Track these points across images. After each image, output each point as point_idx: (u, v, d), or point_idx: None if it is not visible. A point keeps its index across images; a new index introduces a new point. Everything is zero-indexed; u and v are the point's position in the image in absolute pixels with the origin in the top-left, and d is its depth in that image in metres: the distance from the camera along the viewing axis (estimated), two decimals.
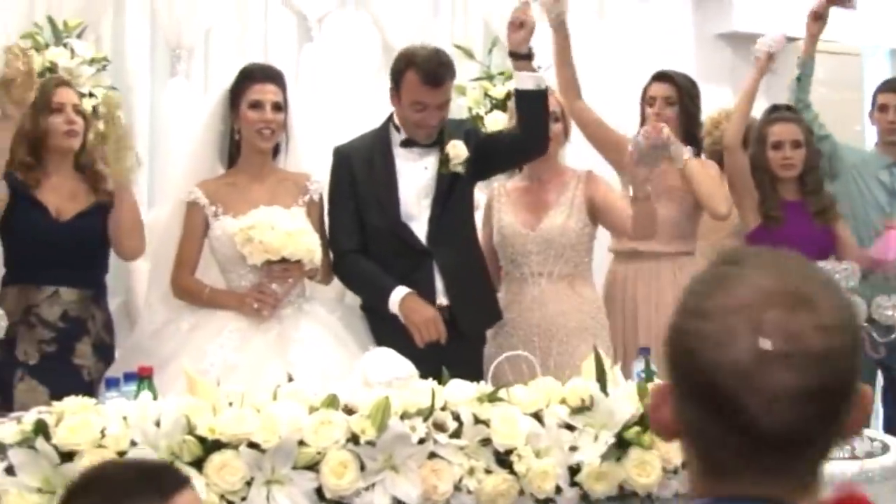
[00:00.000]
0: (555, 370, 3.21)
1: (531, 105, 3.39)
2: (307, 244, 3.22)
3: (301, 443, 2.28)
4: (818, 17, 4.22)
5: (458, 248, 3.42)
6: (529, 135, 3.43)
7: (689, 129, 3.97)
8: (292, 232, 3.20)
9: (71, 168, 3.45)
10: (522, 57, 3.36)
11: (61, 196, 3.39)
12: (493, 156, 3.52)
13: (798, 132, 3.99)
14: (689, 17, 6.00)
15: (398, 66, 3.37)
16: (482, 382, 2.58)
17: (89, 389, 2.97)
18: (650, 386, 2.51)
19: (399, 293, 3.30)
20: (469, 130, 3.58)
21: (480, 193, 3.89)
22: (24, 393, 3.15)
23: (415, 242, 3.40)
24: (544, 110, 3.41)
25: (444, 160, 3.41)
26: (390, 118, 3.49)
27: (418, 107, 3.32)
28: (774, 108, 4.16)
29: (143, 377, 2.48)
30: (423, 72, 3.29)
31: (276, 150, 3.48)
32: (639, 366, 2.80)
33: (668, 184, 3.85)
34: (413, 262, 3.38)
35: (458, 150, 3.41)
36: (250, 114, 3.32)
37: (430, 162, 3.45)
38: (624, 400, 2.51)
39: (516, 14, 3.33)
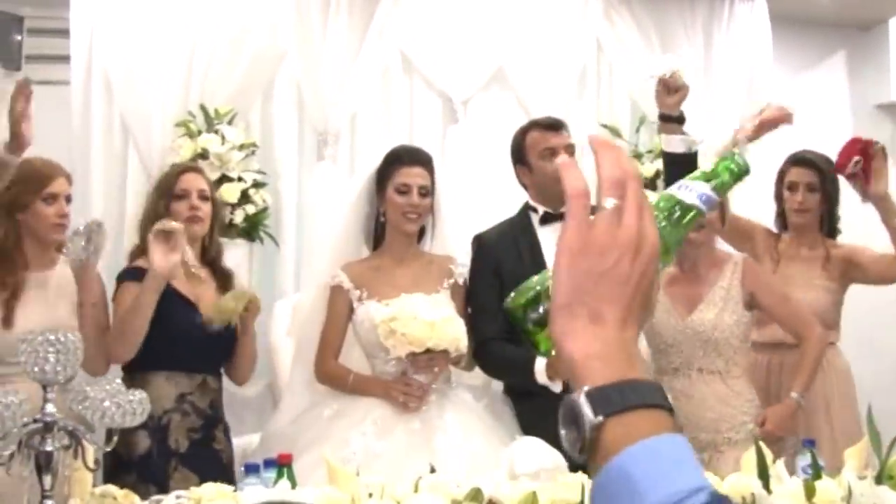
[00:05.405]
0: (706, 466, 3.03)
1: (682, 169, 3.26)
2: (452, 333, 3.13)
3: None
4: None
5: None
6: None
7: (832, 213, 3.82)
8: (436, 322, 3.10)
9: (196, 257, 3.39)
10: (673, 120, 3.25)
11: (196, 288, 3.33)
12: None
13: None
14: (845, 88, 5.81)
15: (516, 141, 3.48)
16: None
17: (230, 473, 2.97)
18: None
19: (543, 359, 3.14)
20: None
21: None
22: (180, 482, 3.09)
23: None
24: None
25: None
26: (526, 204, 3.44)
27: (548, 153, 3.36)
28: None
29: (282, 464, 2.43)
30: (541, 123, 3.50)
31: (421, 232, 3.44)
32: (804, 460, 2.58)
33: (814, 272, 3.68)
34: None
35: None
36: (397, 198, 3.28)
37: None
38: (788, 498, 2.31)
39: (670, 80, 3.20)
